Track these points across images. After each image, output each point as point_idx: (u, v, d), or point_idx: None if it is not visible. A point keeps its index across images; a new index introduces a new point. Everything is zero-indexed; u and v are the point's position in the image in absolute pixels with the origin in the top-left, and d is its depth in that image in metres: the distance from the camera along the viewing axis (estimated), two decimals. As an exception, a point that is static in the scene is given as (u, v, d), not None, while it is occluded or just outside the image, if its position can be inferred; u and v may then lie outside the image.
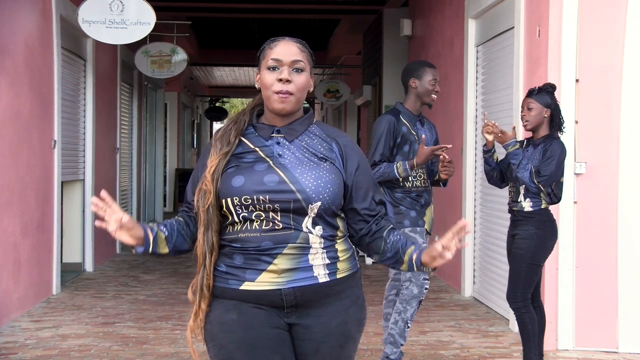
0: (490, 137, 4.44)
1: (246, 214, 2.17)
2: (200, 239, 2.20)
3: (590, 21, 5.16)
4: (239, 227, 2.19)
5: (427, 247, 2.25)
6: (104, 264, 8.95)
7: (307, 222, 2.18)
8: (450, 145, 4.38)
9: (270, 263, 2.16)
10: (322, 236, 2.20)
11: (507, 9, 6.12)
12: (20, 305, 6.06)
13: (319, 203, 2.17)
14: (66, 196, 8.17)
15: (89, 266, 8.42)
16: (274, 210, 2.16)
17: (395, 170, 4.35)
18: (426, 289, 4.45)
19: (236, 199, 2.16)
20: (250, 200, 2.15)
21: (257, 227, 2.16)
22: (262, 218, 2.16)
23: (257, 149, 2.24)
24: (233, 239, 2.19)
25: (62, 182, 7.37)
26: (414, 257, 2.24)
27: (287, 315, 2.20)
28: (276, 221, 2.16)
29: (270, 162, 2.20)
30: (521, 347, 4.49)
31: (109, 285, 7.58)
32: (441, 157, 4.35)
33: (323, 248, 2.20)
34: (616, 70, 5.14)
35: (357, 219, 2.28)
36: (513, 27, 5.92)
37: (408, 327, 4.45)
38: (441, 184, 4.60)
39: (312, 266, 2.18)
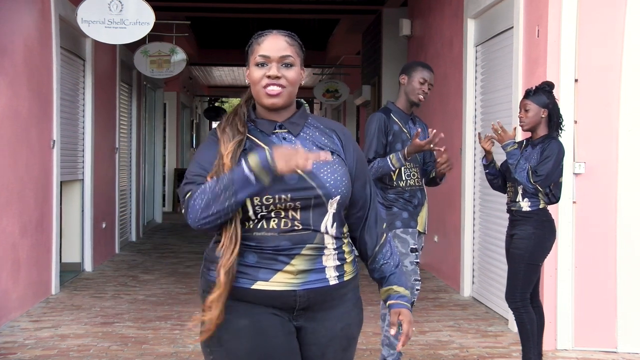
0: (488, 147, 4.43)
1: (265, 213, 2.10)
2: (237, 222, 2.08)
3: (589, 21, 5.16)
4: (253, 225, 2.11)
5: (397, 307, 2.27)
6: (103, 264, 8.95)
7: (326, 220, 2.15)
8: (444, 148, 4.32)
9: (287, 263, 2.11)
10: (334, 236, 2.18)
11: (506, 9, 6.12)
12: (19, 305, 6.06)
13: (338, 197, 2.15)
14: (65, 196, 8.17)
15: (88, 266, 8.42)
16: (294, 209, 2.11)
17: (390, 162, 4.31)
18: (417, 290, 4.43)
19: (256, 199, 2.08)
20: (271, 200, 2.09)
21: (275, 227, 2.10)
22: (281, 217, 2.10)
23: (266, 146, 2.15)
24: (246, 237, 2.11)
25: (61, 182, 7.37)
26: (389, 303, 2.29)
27: (296, 318, 2.17)
28: (296, 221, 2.11)
29: None
30: (520, 347, 4.49)
31: (108, 285, 7.58)
32: (439, 159, 4.32)
33: (334, 249, 2.18)
34: (615, 70, 5.14)
35: (355, 209, 2.28)
36: (512, 27, 5.92)
37: None
38: (439, 181, 4.55)
39: (325, 268, 2.16)
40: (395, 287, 2.29)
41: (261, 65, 2.16)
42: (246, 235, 2.11)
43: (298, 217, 2.12)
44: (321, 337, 2.19)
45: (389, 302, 2.29)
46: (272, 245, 2.10)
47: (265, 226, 2.11)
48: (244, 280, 2.11)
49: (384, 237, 2.32)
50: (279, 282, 2.11)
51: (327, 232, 2.15)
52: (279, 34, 2.20)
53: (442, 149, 4.27)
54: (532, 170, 4.21)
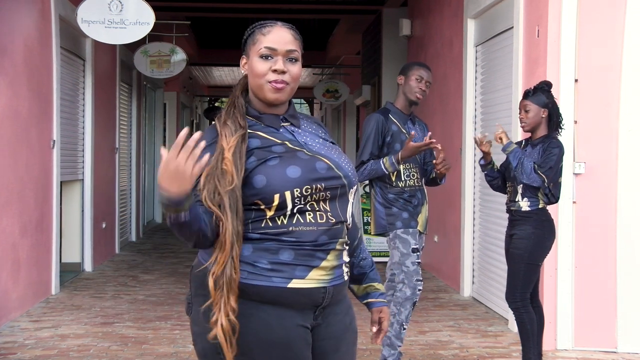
0: (486, 149, 4.41)
1: (302, 206, 2.02)
2: (228, 226, 1.95)
3: (589, 21, 5.16)
4: (286, 221, 2.02)
5: (379, 305, 2.30)
6: (103, 264, 8.95)
7: (348, 211, 2.14)
8: (439, 146, 4.29)
9: (323, 259, 2.04)
10: (348, 228, 2.18)
11: (506, 9, 6.12)
12: (19, 305, 6.06)
13: (355, 187, 2.15)
14: (65, 196, 8.17)
15: (88, 266, 8.42)
16: (324, 200, 2.06)
17: (382, 166, 4.33)
18: (419, 290, 4.43)
19: (297, 191, 2.00)
20: (309, 190, 2.02)
21: (312, 220, 2.03)
22: (315, 209, 2.04)
23: (285, 142, 2.10)
24: (281, 233, 2.01)
25: (61, 182, 7.37)
26: (370, 301, 2.31)
27: (316, 317, 2.10)
28: (329, 214, 2.06)
29: (305, 151, 2.09)
30: (520, 347, 4.49)
31: (108, 285, 7.58)
32: (435, 160, 4.32)
33: (347, 243, 2.17)
34: (615, 70, 5.15)
35: None
36: (512, 27, 5.92)
37: (404, 328, 4.44)
38: (439, 181, 4.55)
39: (343, 263, 2.14)
40: (376, 285, 2.31)
41: (266, 57, 2.08)
42: (280, 231, 2.02)
43: (328, 209, 2.08)
44: (335, 330, 2.15)
45: (370, 300, 2.31)
46: (311, 240, 2.03)
47: (302, 220, 2.03)
48: (279, 279, 2.01)
49: (360, 232, 2.34)
50: (313, 279, 2.04)
51: (349, 225, 2.16)
52: (285, 27, 2.13)
53: (439, 147, 4.27)
54: (536, 165, 4.21)
